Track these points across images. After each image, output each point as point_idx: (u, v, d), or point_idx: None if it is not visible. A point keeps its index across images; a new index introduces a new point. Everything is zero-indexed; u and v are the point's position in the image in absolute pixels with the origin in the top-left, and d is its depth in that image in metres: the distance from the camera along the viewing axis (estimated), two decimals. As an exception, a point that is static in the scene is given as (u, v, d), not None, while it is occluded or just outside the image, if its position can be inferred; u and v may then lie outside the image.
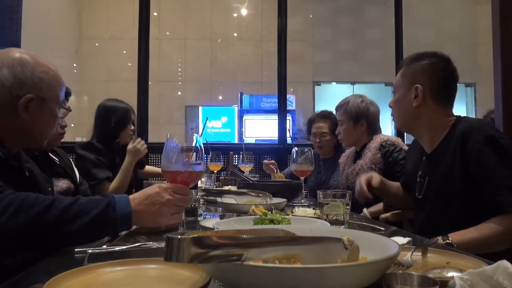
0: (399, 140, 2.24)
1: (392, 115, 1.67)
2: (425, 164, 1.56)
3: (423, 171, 1.56)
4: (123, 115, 2.56)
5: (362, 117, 2.29)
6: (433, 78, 1.50)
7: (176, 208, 1.06)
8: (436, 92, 1.50)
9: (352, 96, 2.39)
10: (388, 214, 1.81)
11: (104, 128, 2.53)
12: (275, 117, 4.39)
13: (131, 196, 1.03)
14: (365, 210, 1.98)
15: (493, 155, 1.32)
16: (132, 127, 2.64)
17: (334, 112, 2.49)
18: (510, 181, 1.29)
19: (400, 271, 0.70)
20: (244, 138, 7.78)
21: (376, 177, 1.68)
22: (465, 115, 1.58)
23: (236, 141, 7.71)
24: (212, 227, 1.05)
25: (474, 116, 7.72)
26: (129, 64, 6.64)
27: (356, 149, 2.36)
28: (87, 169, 2.33)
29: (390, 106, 1.67)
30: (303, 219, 1.28)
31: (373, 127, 2.32)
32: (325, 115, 2.77)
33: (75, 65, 7.54)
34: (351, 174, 2.24)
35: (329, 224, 1.15)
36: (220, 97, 8.09)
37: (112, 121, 2.51)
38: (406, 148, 2.17)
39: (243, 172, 2.56)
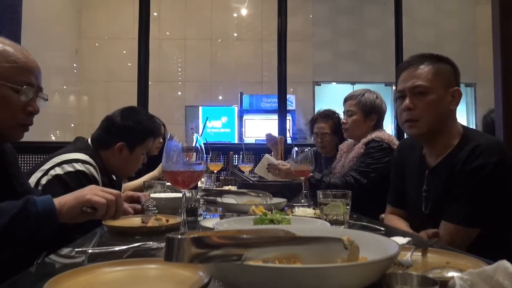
0: (391, 137, 2.24)
1: (414, 118, 1.47)
2: (429, 178, 1.51)
3: (428, 186, 1.51)
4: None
5: (374, 112, 2.31)
6: (458, 83, 1.50)
7: (100, 193, 1.09)
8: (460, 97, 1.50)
9: (364, 90, 2.41)
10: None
11: None
12: (275, 117, 4.39)
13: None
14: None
15: (476, 183, 1.35)
16: (161, 141, 2.88)
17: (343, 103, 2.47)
18: (475, 212, 1.36)
19: (400, 271, 0.70)
20: (244, 138, 7.78)
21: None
22: (466, 121, 1.56)
23: (236, 141, 7.71)
24: (212, 227, 1.05)
25: (474, 116, 7.73)
26: (129, 64, 6.64)
27: (355, 143, 2.38)
28: None
29: (409, 108, 1.46)
30: (303, 219, 1.28)
31: (379, 124, 2.35)
32: (327, 115, 2.78)
33: (75, 65, 7.54)
34: (342, 167, 2.31)
35: (329, 224, 1.15)
36: (220, 97, 8.09)
37: None
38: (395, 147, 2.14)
39: (243, 172, 2.56)
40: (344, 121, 2.38)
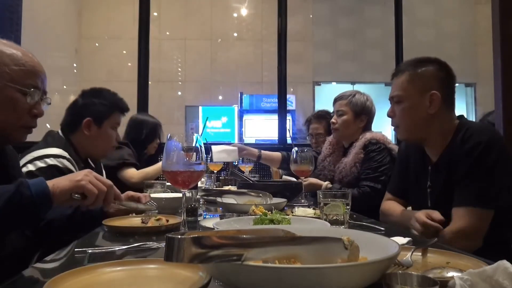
0: (385, 137, 2.24)
1: (395, 125, 1.58)
2: (432, 173, 1.53)
3: (432, 181, 1.53)
4: (152, 129, 2.89)
5: (364, 113, 2.31)
6: (444, 83, 1.50)
7: (94, 181, 1.08)
8: (448, 97, 1.50)
9: (354, 91, 2.40)
10: None
11: (135, 138, 2.82)
12: (275, 117, 4.39)
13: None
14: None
15: (473, 163, 1.36)
16: (158, 141, 2.93)
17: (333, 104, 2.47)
18: (482, 191, 1.35)
19: (400, 271, 0.70)
20: (244, 138, 7.78)
21: (435, 212, 1.37)
22: (466, 117, 1.58)
23: (236, 141, 7.71)
24: (212, 227, 1.05)
25: (474, 116, 7.72)
26: (129, 64, 6.64)
27: (344, 145, 2.37)
28: (122, 154, 2.59)
29: (390, 116, 1.59)
30: (303, 219, 1.28)
31: (369, 126, 2.34)
32: (321, 116, 2.81)
33: (75, 65, 7.53)
34: (336, 171, 2.29)
35: (329, 224, 1.15)
36: (220, 97, 8.09)
37: (143, 133, 2.84)
38: (391, 146, 2.18)
39: (243, 172, 2.57)
40: (334, 121, 2.35)
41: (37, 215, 1.02)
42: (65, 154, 1.68)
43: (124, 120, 2.86)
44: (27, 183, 1.00)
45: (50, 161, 1.60)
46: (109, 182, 1.13)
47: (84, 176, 1.08)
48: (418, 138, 1.55)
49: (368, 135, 2.23)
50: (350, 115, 2.30)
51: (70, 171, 1.63)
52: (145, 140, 2.86)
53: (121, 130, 2.88)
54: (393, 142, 2.32)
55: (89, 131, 1.84)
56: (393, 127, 1.63)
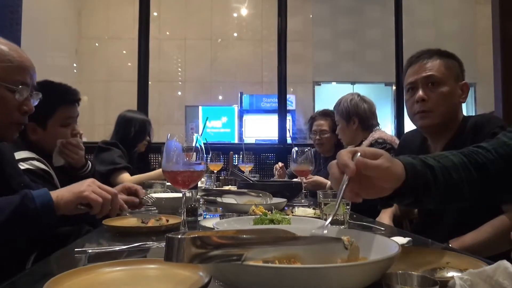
0: (393, 138, 2.24)
1: (428, 109, 1.46)
2: None
3: None
4: (141, 126, 2.78)
5: (352, 115, 2.34)
6: (464, 78, 1.53)
7: (97, 190, 1.08)
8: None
9: (345, 95, 2.46)
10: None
11: (124, 136, 2.72)
12: (275, 117, 4.39)
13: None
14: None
15: None
16: (148, 138, 2.86)
17: None
18: None
19: (400, 271, 0.70)
20: (244, 138, 7.78)
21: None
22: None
23: (236, 141, 7.71)
24: (212, 227, 1.05)
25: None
26: (129, 64, 6.64)
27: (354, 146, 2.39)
28: (112, 158, 2.49)
29: (423, 99, 1.46)
30: (303, 219, 1.28)
31: (366, 124, 2.36)
32: (326, 113, 2.83)
33: (75, 65, 7.54)
34: None
35: (329, 224, 1.15)
36: (220, 97, 8.09)
37: (131, 131, 2.73)
38: None
39: (243, 172, 2.57)
40: (337, 132, 2.47)
41: (40, 226, 1.02)
42: (33, 154, 1.56)
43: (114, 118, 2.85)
44: (31, 195, 0.99)
45: (21, 166, 1.48)
46: (114, 190, 1.12)
47: (87, 187, 1.08)
48: (444, 124, 1.48)
49: (376, 135, 2.26)
50: (342, 123, 2.40)
51: (44, 171, 1.55)
52: (134, 139, 2.76)
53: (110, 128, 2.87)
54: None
55: (36, 135, 1.68)
56: (416, 114, 1.50)
